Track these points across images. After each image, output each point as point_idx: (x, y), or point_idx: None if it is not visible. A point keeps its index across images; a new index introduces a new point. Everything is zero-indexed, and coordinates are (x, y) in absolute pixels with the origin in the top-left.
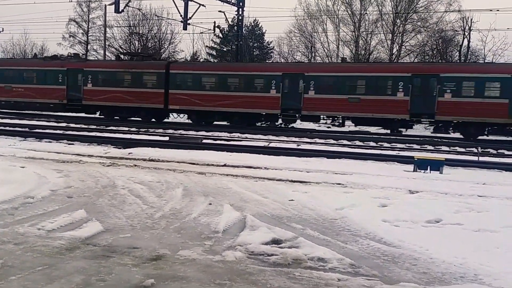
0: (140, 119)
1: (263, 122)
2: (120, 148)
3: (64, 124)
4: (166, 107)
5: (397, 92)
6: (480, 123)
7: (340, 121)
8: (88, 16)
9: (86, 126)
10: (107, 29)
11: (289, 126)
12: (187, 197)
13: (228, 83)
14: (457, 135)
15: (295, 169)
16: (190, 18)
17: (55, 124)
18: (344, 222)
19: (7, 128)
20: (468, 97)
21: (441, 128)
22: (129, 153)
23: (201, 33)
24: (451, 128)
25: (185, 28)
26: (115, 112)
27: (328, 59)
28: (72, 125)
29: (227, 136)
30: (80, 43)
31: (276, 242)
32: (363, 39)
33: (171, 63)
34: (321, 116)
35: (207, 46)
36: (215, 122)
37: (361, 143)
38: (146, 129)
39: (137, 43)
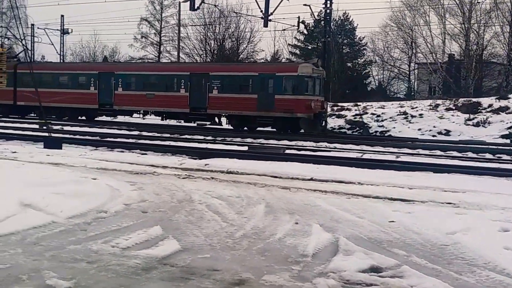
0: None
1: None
2: (195, 159)
3: (136, 133)
4: (15, 103)
5: (180, 89)
6: (238, 115)
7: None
8: (161, 15)
9: (159, 135)
10: (181, 28)
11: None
12: (270, 214)
13: (60, 80)
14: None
15: (395, 185)
16: (272, 13)
17: (127, 132)
18: (457, 249)
19: (77, 136)
20: (229, 93)
21: (214, 120)
22: (205, 164)
23: (283, 30)
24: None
25: (266, 25)
26: None
27: (432, 56)
28: (144, 133)
29: (313, 146)
30: (152, 44)
31: (375, 270)
32: (475, 32)
33: (18, 63)
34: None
35: (289, 44)
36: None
37: (474, 155)
38: (222, 138)
39: (213, 42)
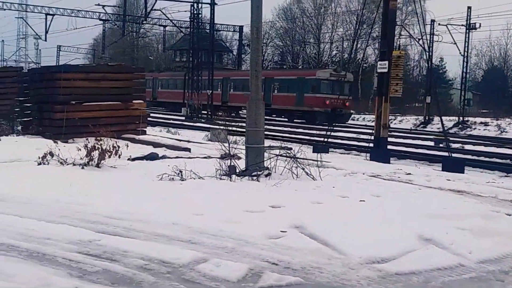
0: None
1: None
2: None
3: None
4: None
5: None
6: (289, 110)
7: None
8: None
9: None
10: None
11: None
12: None
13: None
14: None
15: None
16: None
17: None
18: None
19: (481, 158)
20: (282, 92)
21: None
22: None
23: None
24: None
25: None
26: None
27: None
28: None
29: None
30: None
31: None
32: None
33: (186, 72)
34: None
35: None
36: None
37: None
38: None
39: None
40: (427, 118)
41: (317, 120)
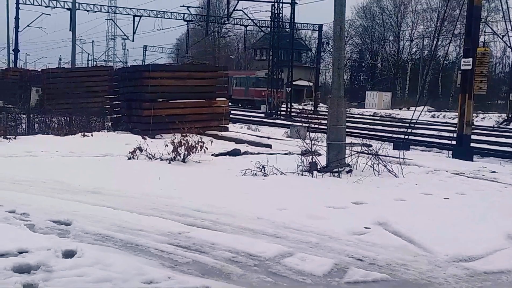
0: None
1: None
2: None
3: None
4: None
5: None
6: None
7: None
8: None
9: None
10: None
11: None
12: None
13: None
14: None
15: None
16: None
17: None
18: None
19: None
20: (240, 87)
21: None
22: None
23: None
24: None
25: None
26: None
27: None
28: None
29: None
30: None
31: None
32: None
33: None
34: None
35: None
36: None
37: None
38: None
39: None
40: (510, 116)
41: (257, 106)
